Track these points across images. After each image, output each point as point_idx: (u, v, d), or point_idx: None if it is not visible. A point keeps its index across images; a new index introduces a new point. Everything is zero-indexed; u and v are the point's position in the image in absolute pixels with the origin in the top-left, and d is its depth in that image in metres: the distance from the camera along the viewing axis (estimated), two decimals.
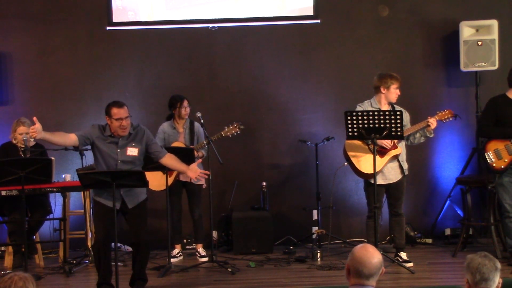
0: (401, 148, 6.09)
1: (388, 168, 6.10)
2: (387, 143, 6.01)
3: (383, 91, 6.11)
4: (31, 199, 6.39)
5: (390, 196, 6.21)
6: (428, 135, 6.09)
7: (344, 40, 7.49)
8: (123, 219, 5.45)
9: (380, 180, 5.97)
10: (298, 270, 6.14)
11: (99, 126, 5.38)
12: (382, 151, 6.01)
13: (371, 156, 5.88)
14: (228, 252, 6.96)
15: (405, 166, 6.16)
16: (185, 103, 6.70)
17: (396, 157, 6.08)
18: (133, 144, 5.35)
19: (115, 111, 5.26)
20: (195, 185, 6.65)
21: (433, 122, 5.99)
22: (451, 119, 6.14)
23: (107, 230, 5.17)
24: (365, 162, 6.02)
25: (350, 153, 6.12)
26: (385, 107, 6.12)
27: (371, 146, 5.93)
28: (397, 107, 6.11)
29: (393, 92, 6.11)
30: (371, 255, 2.94)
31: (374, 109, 6.00)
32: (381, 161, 5.99)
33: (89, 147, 6.62)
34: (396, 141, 6.03)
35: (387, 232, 6.79)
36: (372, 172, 5.88)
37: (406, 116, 6.13)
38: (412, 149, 6.49)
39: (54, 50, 7.53)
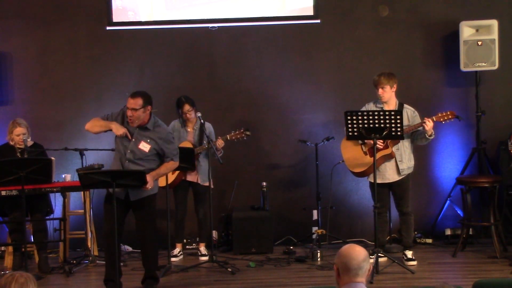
0: (390, 149, 6.05)
1: (386, 168, 6.11)
2: (380, 142, 6.03)
3: None
4: (32, 199, 6.37)
5: (394, 195, 6.26)
6: (427, 136, 6.03)
7: (344, 40, 7.49)
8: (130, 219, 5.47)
9: (379, 179, 6.01)
10: (298, 270, 6.14)
11: (120, 113, 5.40)
12: (372, 151, 6.08)
13: (361, 155, 6.13)
14: (228, 252, 6.95)
15: (402, 166, 6.12)
16: (186, 108, 6.64)
17: (390, 157, 6.06)
18: (148, 140, 5.33)
19: (128, 99, 5.29)
20: (201, 186, 6.67)
21: (428, 123, 5.93)
22: (452, 120, 6.11)
23: (113, 223, 5.12)
24: (353, 162, 6.22)
25: (343, 153, 6.30)
26: (390, 106, 6.12)
27: (364, 147, 6.11)
28: (408, 107, 6.15)
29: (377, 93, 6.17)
30: (357, 248, 3.07)
31: (377, 109, 6.02)
32: (369, 160, 6.07)
33: (89, 146, 6.65)
34: (389, 141, 6.01)
35: (391, 232, 6.83)
36: (360, 171, 6.16)
37: (415, 116, 6.14)
38: (412, 149, 6.47)
39: (54, 50, 7.52)
